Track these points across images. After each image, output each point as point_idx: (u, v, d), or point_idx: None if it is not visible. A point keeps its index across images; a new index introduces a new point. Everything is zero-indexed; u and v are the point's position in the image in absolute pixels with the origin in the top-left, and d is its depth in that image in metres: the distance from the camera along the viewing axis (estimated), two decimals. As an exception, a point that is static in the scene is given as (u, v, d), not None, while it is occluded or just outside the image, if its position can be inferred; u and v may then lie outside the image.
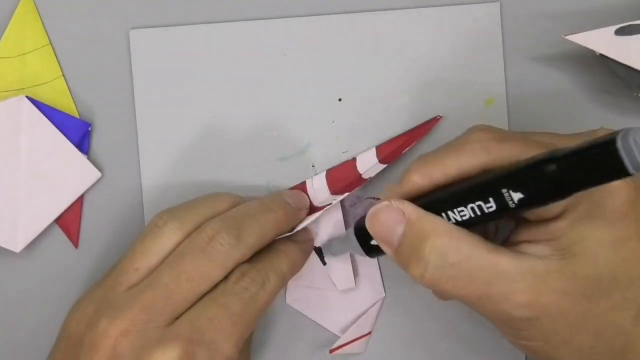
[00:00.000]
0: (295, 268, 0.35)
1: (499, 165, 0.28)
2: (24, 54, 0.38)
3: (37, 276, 0.38)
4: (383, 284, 0.38)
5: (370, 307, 0.37)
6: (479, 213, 0.28)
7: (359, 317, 0.37)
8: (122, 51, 0.38)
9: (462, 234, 0.28)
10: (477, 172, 0.29)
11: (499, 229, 0.34)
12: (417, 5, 0.38)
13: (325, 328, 0.38)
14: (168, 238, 0.32)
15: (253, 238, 0.32)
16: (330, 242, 0.37)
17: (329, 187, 0.37)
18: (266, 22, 0.38)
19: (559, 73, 0.38)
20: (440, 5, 0.38)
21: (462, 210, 0.28)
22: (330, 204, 0.36)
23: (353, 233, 0.33)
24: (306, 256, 0.36)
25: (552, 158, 0.25)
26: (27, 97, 0.37)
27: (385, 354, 0.38)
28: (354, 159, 0.37)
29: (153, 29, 0.38)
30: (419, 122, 0.37)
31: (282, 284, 0.33)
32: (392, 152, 0.37)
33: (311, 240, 0.37)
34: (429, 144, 0.38)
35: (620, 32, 0.35)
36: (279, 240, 0.35)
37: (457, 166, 0.29)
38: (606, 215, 0.28)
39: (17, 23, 0.38)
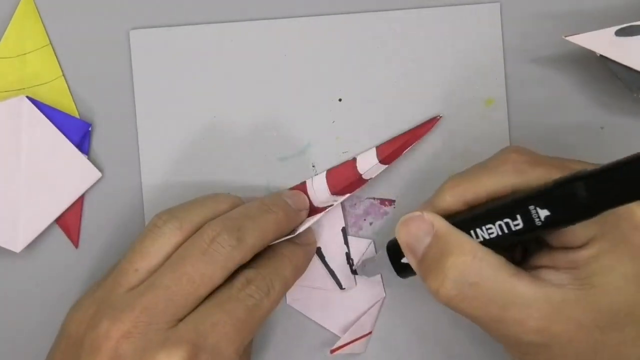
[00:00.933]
0: (299, 273, 0.35)
1: (531, 186, 0.29)
2: (25, 54, 0.38)
3: (38, 276, 0.38)
4: (383, 284, 0.38)
5: (371, 307, 0.37)
6: (506, 231, 0.28)
7: (360, 317, 0.37)
8: (123, 51, 0.38)
9: (486, 254, 0.29)
10: (509, 194, 0.29)
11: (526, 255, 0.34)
12: (417, 5, 0.38)
13: (325, 328, 0.38)
14: (168, 238, 0.32)
15: (253, 239, 0.32)
16: (364, 263, 0.37)
17: (329, 187, 0.37)
18: (266, 23, 0.38)
19: (559, 74, 0.38)
20: (440, 6, 0.38)
21: (490, 228, 0.29)
22: (332, 205, 0.36)
23: (385, 251, 0.34)
24: (309, 260, 0.36)
25: (580, 176, 0.26)
26: (27, 97, 0.37)
27: (386, 353, 0.38)
28: (354, 159, 0.37)
29: (153, 29, 0.38)
30: (419, 122, 0.37)
31: (286, 290, 0.33)
32: (392, 152, 0.37)
33: (314, 243, 0.37)
34: (428, 144, 0.38)
35: (620, 33, 0.35)
36: (283, 244, 0.35)
37: (489, 187, 0.30)
38: (632, 249, 0.28)
39: (17, 23, 0.38)
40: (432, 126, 0.37)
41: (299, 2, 0.38)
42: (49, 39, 0.38)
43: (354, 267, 0.37)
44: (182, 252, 0.32)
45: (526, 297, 0.28)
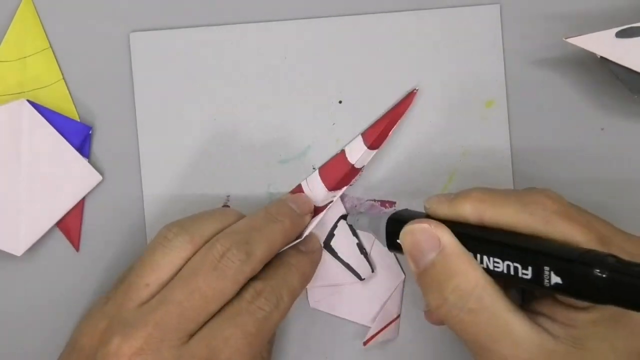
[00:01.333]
0: (307, 281, 0.35)
1: (552, 238, 0.28)
2: (25, 57, 0.38)
3: (39, 280, 0.38)
4: (400, 265, 0.38)
5: (393, 291, 0.38)
6: (512, 273, 0.28)
7: (385, 303, 0.37)
8: (123, 54, 0.38)
9: (488, 284, 0.29)
10: (528, 234, 0.29)
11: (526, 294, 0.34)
12: (417, 7, 0.38)
13: (352, 322, 0.38)
14: (178, 252, 0.32)
15: (262, 251, 0.32)
16: (358, 215, 0.36)
17: (325, 184, 0.37)
18: (266, 25, 0.38)
19: (559, 75, 0.38)
20: (440, 7, 0.38)
21: (498, 263, 0.28)
22: (331, 201, 0.36)
23: (385, 221, 0.33)
24: (316, 267, 0.36)
25: (605, 265, 0.25)
26: (27, 100, 0.37)
27: (418, 333, 0.38)
28: (343, 151, 0.37)
29: (153, 31, 0.38)
30: (397, 100, 0.37)
31: (294, 299, 0.33)
32: (378, 136, 0.37)
33: (320, 249, 0.37)
34: (428, 145, 0.38)
35: (621, 34, 0.35)
36: (289, 253, 0.35)
37: (511, 220, 0.29)
38: (631, 326, 0.28)
39: (17, 26, 0.38)
40: (411, 101, 0.37)
41: (299, 5, 0.38)
42: (49, 42, 0.38)
43: (348, 222, 0.37)
44: (193, 267, 0.31)
45: (518, 336, 0.28)
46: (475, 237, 0.30)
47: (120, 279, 0.34)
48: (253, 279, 0.32)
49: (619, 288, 0.25)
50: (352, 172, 0.37)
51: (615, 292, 0.25)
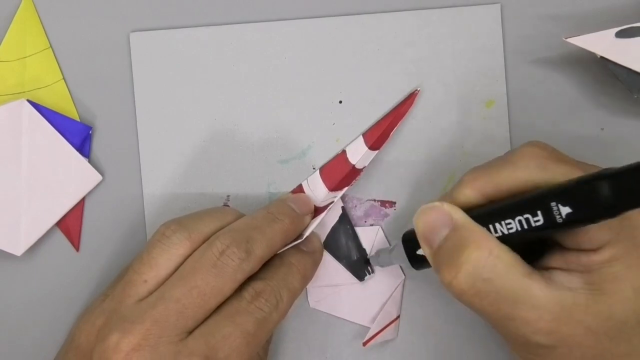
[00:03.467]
0: (307, 282, 0.35)
1: (552, 182, 0.28)
2: (25, 57, 0.38)
3: (39, 279, 0.38)
4: (400, 266, 0.38)
5: (393, 292, 0.38)
6: (525, 227, 0.28)
7: (384, 304, 0.38)
8: (123, 54, 0.38)
9: (502, 251, 0.28)
10: (529, 189, 0.29)
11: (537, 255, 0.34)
12: (418, 7, 0.38)
13: (352, 322, 0.38)
14: (176, 249, 0.32)
15: (261, 250, 0.32)
16: (378, 253, 0.37)
17: (326, 184, 0.37)
18: (267, 25, 0.38)
19: (559, 75, 0.38)
20: (441, 7, 0.38)
21: (510, 223, 0.28)
22: (333, 202, 0.36)
23: (401, 243, 0.34)
24: (316, 267, 0.36)
25: (604, 175, 0.26)
26: (27, 100, 0.37)
27: (416, 334, 0.38)
28: (344, 152, 0.38)
29: (153, 31, 0.38)
30: (399, 100, 0.37)
31: (294, 300, 0.33)
32: (379, 136, 0.37)
33: (321, 249, 0.37)
34: (428, 145, 0.38)
35: (620, 34, 0.35)
36: (290, 252, 0.35)
37: (510, 181, 0.29)
38: None
39: (17, 27, 0.38)
40: (413, 102, 0.37)
41: (299, 5, 0.38)
42: (49, 42, 0.38)
43: (367, 257, 0.38)
44: (192, 264, 0.31)
45: (538, 298, 0.28)
46: (484, 213, 0.30)
47: (119, 276, 0.34)
48: (253, 277, 0.32)
49: (625, 190, 0.25)
50: (352, 173, 0.37)
51: (624, 195, 0.25)
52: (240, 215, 0.35)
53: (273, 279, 0.33)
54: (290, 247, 0.35)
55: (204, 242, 0.32)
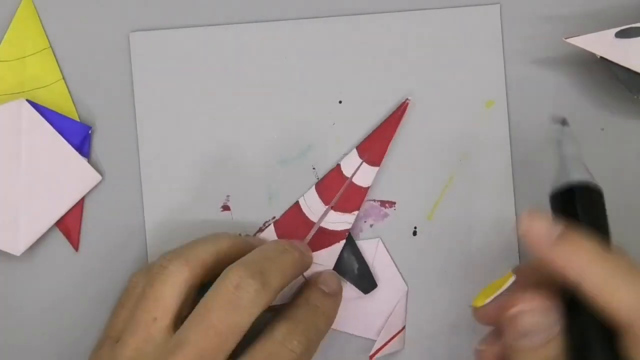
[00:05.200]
0: (331, 324, 0.34)
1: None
2: (24, 57, 0.38)
3: (38, 279, 0.38)
4: (402, 278, 0.38)
5: (397, 303, 0.37)
6: None
7: (389, 315, 0.37)
8: (123, 54, 0.38)
9: None
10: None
11: None
12: (417, 7, 0.38)
13: (355, 336, 0.37)
14: (176, 276, 0.31)
15: (277, 281, 0.32)
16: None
17: (322, 199, 0.37)
18: (266, 25, 0.38)
19: (559, 76, 0.38)
20: (440, 8, 0.38)
21: None
22: (348, 229, 0.36)
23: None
24: (338, 308, 0.35)
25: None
26: (27, 100, 0.37)
27: (422, 345, 0.38)
28: (338, 165, 0.37)
29: (153, 31, 0.38)
30: (389, 111, 0.37)
31: (320, 343, 0.33)
32: (374, 149, 0.37)
33: (341, 290, 0.36)
34: (428, 145, 0.38)
35: (620, 34, 0.35)
36: (313, 295, 0.34)
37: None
38: None
39: (17, 26, 0.38)
40: (404, 112, 0.37)
41: (298, 5, 0.38)
42: (49, 41, 0.38)
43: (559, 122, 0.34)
44: (206, 303, 0.31)
45: None
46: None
47: (116, 314, 0.33)
48: (278, 318, 0.32)
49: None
50: (357, 192, 0.37)
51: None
52: (235, 238, 0.34)
53: (302, 321, 0.32)
54: (313, 289, 0.35)
55: (202, 267, 0.32)
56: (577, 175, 0.30)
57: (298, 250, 0.34)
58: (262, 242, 0.36)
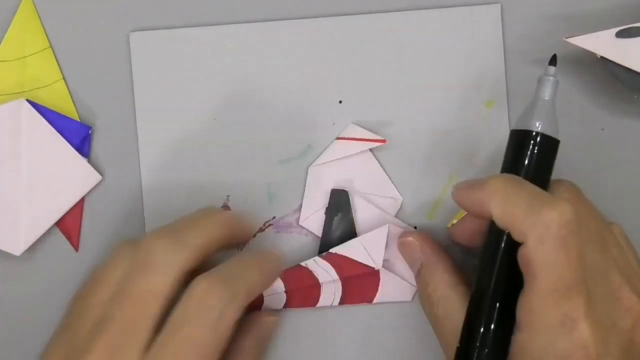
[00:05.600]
0: (269, 278, 0.35)
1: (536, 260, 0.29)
2: (24, 57, 0.38)
3: (38, 279, 0.38)
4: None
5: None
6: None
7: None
8: (123, 54, 0.38)
9: (453, 294, 0.34)
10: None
11: None
12: (418, 7, 0.38)
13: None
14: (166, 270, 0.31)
15: (193, 238, 0.32)
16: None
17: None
18: (266, 24, 0.38)
19: (559, 75, 0.37)
20: (441, 7, 0.38)
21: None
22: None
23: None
24: (278, 265, 0.35)
25: None
26: (27, 100, 0.37)
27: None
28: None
29: (153, 31, 0.38)
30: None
31: (253, 295, 0.33)
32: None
33: (278, 255, 0.36)
34: (428, 145, 0.38)
35: (621, 34, 0.35)
36: (250, 252, 0.36)
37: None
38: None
39: (17, 26, 0.38)
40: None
41: (299, 4, 0.38)
42: (49, 41, 0.38)
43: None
44: (123, 273, 0.31)
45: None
46: None
47: (74, 306, 0.33)
48: (204, 274, 0.31)
49: None
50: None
51: None
52: (228, 217, 0.35)
53: (226, 273, 0.31)
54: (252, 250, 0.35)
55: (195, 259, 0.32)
56: (536, 122, 0.32)
57: (229, 213, 0.35)
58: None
